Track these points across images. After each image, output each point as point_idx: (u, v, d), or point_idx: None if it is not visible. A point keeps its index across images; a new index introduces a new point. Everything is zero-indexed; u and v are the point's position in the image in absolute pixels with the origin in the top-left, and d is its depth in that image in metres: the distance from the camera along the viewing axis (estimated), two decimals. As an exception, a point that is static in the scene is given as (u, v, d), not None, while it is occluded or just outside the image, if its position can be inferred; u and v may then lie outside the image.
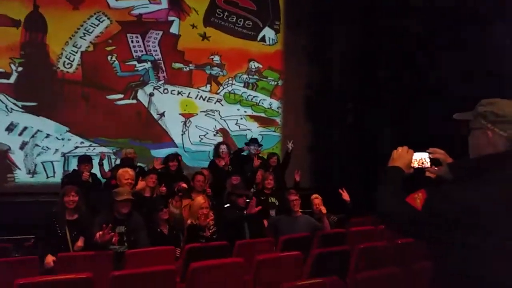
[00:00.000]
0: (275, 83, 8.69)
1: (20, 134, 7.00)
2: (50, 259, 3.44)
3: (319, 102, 8.49)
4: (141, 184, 4.52)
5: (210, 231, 4.11)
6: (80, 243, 3.76)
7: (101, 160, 5.33)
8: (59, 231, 3.71)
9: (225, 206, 4.54)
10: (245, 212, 4.40)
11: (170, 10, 8.04)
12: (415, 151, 1.72)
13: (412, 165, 1.70)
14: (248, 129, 8.34)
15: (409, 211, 1.40)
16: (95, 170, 5.41)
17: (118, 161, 6.51)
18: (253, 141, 6.04)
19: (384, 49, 7.81)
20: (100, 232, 3.38)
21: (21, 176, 7.01)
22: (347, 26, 8.40)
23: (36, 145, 7.11)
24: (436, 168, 1.70)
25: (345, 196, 4.56)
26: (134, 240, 3.85)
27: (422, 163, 1.72)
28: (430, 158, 1.73)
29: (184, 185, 4.84)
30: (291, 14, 8.74)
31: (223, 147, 5.86)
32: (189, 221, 4.16)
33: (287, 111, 8.66)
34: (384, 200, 1.52)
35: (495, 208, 1.31)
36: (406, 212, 1.41)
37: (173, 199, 4.81)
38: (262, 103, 8.60)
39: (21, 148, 7.01)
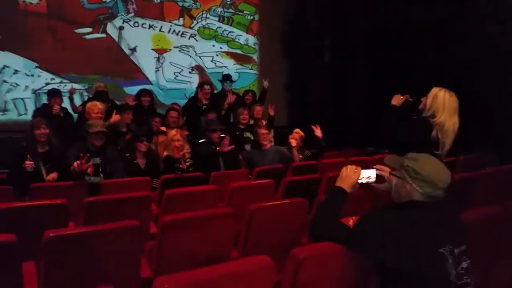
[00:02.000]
0: (251, 17, 8.44)
1: (-15, 70, 6.71)
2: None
3: (296, 39, 8.33)
4: (115, 117, 4.48)
5: (186, 163, 4.17)
6: (53, 175, 3.76)
7: (71, 94, 5.20)
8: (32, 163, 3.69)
9: (200, 141, 4.58)
10: (217, 149, 4.46)
11: None
12: (363, 168, 1.95)
13: (359, 181, 1.92)
14: (224, 66, 8.19)
15: (341, 231, 1.68)
16: (67, 105, 5.29)
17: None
18: (226, 77, 5.98)
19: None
20: (78, 162, 3.39)
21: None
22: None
23: (4, 81, 6.84)
24: (380, 185, 1.95)
25: (318, 132, 4.67)
26: (109, 172, 3.88)
27: (369, 177, 1.96)
28: (377, 174, 1.97)
29: (163, 128, 4.82)
30: None
31: (207, 87, 5.73)
32: (164, 153, 4.21)
33: (263, 47, 8.50)
34: (320, 223, 1.76)
35: (407, 237, 1.56)
36: (339, 233, 1.67)
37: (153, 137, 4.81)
38: (238, 39, 8.39)
39: (-12, 85, 6.75)
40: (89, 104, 4.31)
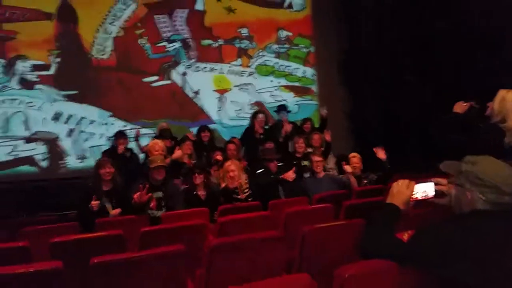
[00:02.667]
0: (307, 50, 8.49)
1: (66, 122, 7.34)
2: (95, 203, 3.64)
3: (353, 64, 8.19)
4: (177, 153, 4.64)
5: (245, 194, 4.15)
6: (117, 210, 3.90)
7: (136, 136, 5.51)
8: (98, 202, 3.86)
9: (258, 171, 4.56)
10: (280, 177, 4.41)
11: (193, -14, 8.03)
12: (417, 182, 1.73)
13: (414, 197, 1.70)
14: (284, 100, 8.23)
15: (395, 246, 1.50)
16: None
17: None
18: (282, 107, 6.00)
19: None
20: (138, 193, 3.50)
21: (72, 161, 7.35)
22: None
23: (82, 131, 7.43)
24: (440, 199, 1.70)
25: (380, 154, 4.46)
26: (171, 206, 3.97)
27: (426, 192, 1.71)
28: (435, 188, 1.72)
29: (219, 157, 4.90)
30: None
31: (261, 116, 5.79)
32: (222, 185, 4.23)
33: (322, 78, 8.45)
34: (370, 239, 1.59)
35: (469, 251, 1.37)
36: (392, 249, 1.50)
37: (211, 169, 4.90)
38: (296, 72, 8.45)
39: (69, 135, 7.35)
40: (150, 143, 4.53)
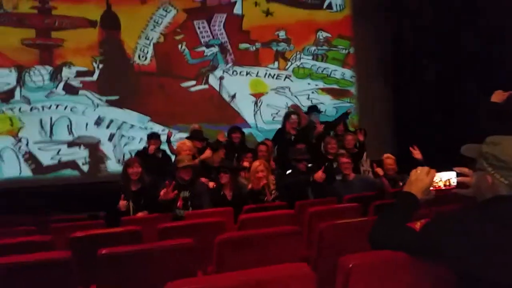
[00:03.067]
0: (346, 51, 8.28)
1: (107, 127, 7.59)
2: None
3: (394, 64, 7.88)
4: (206, 153, 4.63)
5: (272, 195, 4.05)
6: (142, 214, 3.91)
7: (168, 138, 5.57)
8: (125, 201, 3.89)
9: (287, 173, 4.44)
10: (311, 178, 4.27)
11: (232, -9, 8.09)
12: (438, 171, 1.57)
13: (435, 187, 1.55)
14: (321, 103, 8.05)
15: (405, 235, 1.37)
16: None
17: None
18: (313, 108, 5.85)
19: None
20: (164, 190, 3.51)
21: (112, 165, 7.57)
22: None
23: (123, 135, 7.65)
24: (463, 190, 1.52)
25: (416, 154, 4.22)
26: (198, 205, 3.94)
27: (449, 184, 1.56)
28: (457, 179, 1.56)
29: (247, 163, 4.81)
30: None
31: (294, 117, 5.68)
32: (249, 186, 4.15)
33: (361, 79, 8.20)
34: (379, 228, 1.47)
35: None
36: (402, 238, 1.38)
37: (241, 172, 4.84)
38: (334, 74, 8.25)
39: (110, 139, 7.59)
40: (179, 143, 4.55)
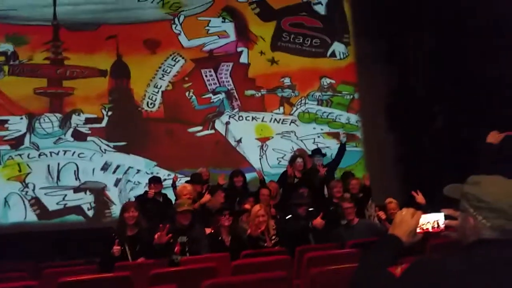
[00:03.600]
0: (351, 96, 8.37)
1: (114, 172, 7.65)
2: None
3: (401, 110, 7.92)
4: (206, 197, 4.59)
5: (272, 241, 3.95)
6: (140, 260, 3.84)
7: (173, 182, 5.56)
8: (122, 248, 3.83)
9: (287, 217, 4.36)
10: (310, 224, 4.18)
11: (238, 41, 8.36)
12: (425, 212, 1.52)
13: (423, 229, 1.48)
14: (327, 147, 8.02)
15: (384, 281, 1.30)
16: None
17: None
18: (316, 151, 5.84)
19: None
20: (158, 233, 3.45)
21: (117, 210, 7.45)
22: (421, 29, 7.86)
23: (129, 181, 7.68)
24: (453, 233, 1.45)
25: (419, 199, 4.13)
26: (195, 251, 3.86)
27: (437, 226, 1.49)
28: (445, 219, 1.49)
29: (248, 206, 4.76)
30: (360, 24, 8.47)
31: (299, 160, 5.68)
32: (248, 231, 4.06)
33: (367, 124, 8.22)
34: (359, 274, 1.39)
35: None
36: (380, 284, 1.31)
37: (243, 216, 4.77)
38: (339, 118, 8.30)
39: (115, 185, 7.63)
40: (179, 187, 4.54)
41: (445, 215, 1.51)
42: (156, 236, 3.46)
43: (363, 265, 1.42)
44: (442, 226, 1.50)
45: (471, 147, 6.74)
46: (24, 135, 7.24)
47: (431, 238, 1.59)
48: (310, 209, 4.18)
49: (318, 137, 8.14)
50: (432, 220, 1.51)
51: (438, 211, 1.52)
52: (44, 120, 7.34)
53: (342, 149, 6.08)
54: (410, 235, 1.46)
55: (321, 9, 8.59)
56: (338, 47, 8.50)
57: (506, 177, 2.44)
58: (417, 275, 1.22)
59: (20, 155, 7.16)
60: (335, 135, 8.17)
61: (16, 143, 7.18)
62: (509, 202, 1.19)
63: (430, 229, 1.51)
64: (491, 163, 2.38)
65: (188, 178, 7.35)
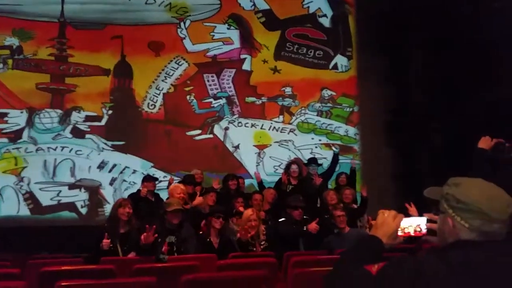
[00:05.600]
0: (350, 109, 8.40)
1: (110, 171, 7.66)
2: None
3: (400, 125, 7.94)
4: (198, 199, 4.58)
5: (261, 246, 3.94)
6: (131, 256, 3.83)
7: (169, 184, 5.56)
8: (111, 245, 3.81)
9: (280, 220, 4.35)
10: (304, 228, 4.17)
11: (242, 48, 8.42)
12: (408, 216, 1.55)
13: (404, 233, 1.49)
14: (324, 158, 8.01)
15: (359, 279, 1.29)
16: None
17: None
18: (311, 160, 5.84)
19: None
20: (145, 234, 3.45)
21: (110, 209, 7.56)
22: (424, 45, 7.92)
23: (124, 180, 7.68)
24: (433, 237, 1.45)
25: (412, 211, 4.10)
26: (183, 251, 3.84)
27: (420, 230, 1.49)
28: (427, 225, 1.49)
29: (242, 208, 4.76)
30: (363, 39, 8.53)
31: (294, 167, 5.69)
32: (238, 235, 4.05)
33: (365, 137, 8.24)
34: (334, 272, 1.40)
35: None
36: (356, 282, 1.30)
37: (234, 217, 4.76)
38: (338, 130, 8.32)
39: (111, 184, 7.63)
40: (172, 186, 4.53)
41: (427, 219, 1.52)
42: (142, 236, 3.45)
43: (340, 262, 1.42)
44: (424, 230, 1.51)
45: (469, 165, 6.78)
46: (23, 129, 7.27)
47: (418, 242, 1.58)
48: (305, 216, 4.17)
49: (316, 147, 8.15)
50: (414, 224, 1.52)
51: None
52: (44, 115, 7.38)
53: (335, 160, 6.08)
54: (390, 237, 1.47)
55: (326, 22, 8.66)
56: (340, 60, 8.55)
57: (498, 182, 2.46)
58: (393, 273, 1.22)
59: (17, 148, 7.19)
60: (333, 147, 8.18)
61: (15, 136, 7.21)
62: (488, 203, 1.20)
63: (412, 233, 1.52)
64: (482, 169, 2.38)
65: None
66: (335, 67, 8.54)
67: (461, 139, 7.03)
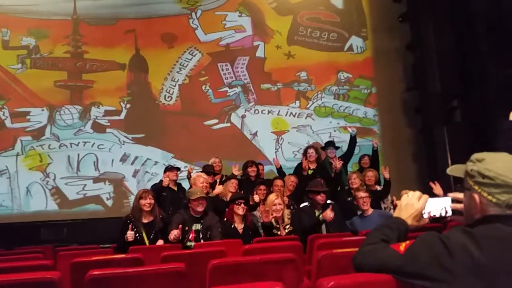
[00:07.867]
0: (368, 91, 8.29)
1: (132, 163, 7.79)
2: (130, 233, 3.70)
3: (419, 104, 7.81)
4: (218, 188, 4.62)
5: (286, 230, 3.97)
6: (159, 242, 3.92)
7: (189, 173, 5.62)
8: (137, 235, 3.90)
9: (302, 205, 4.36)
10: (320, 217, 4.15)
11: (255, 35, 8.38)
12: (431, 196, 1.50)
13: (432, 215, 1.48)
14: (343, 141, 7.96)
15: (388, 257, 1.29)
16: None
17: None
18: (329, 143, 5.81)
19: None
20: (175, 234, 3.53)
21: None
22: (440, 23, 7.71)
23: (146, 172, 7.82)
24: (460, 217, 1.43)
25: (437, 190, 4.06)
26: (209, 237, 3.91)
27: (446, 211, 1.48)
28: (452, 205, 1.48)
29: (257, 198, 4.76)
30: (379, 19, 8.38)
31: (311, 151, 5.68)
32: (263, 219, 4.09)
33: (384, 118, 8.14)
34: (362, 251, 1.39)
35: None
36: (384, 260, 1.30)
37: (259, 207, 4.79)
38: (356, 112, 8.24)
39: (134, 176, 7.77)
40: (194, 175, 4.58)
41: (452, 199, 1.50)
42: (171, 236, 3.55)
43: (367, 244, 1.42)
44: (449, 210, 1.49)
45: (489, 141, 6.64)
46: (45, 126, 7.45)
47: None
48: (329, 201, 4.17)
49: (335, 131, 8.10)
50: (439, 204, 1.50)
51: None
52: (64, 112, 7.53)
53: (352, 142, 6.03)
54: (415, 218, 1.46)
55: (338, 3, 8.53)
56: (356, 41, 8.43)
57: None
58: (421, 251, 1.22)
59: (41, 145, 7.37)
60: (352, 129, 8.12)
61: (38, 134, 7.39)
62: None
63: (437, 214, 1.50)
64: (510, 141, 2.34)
65: (203, 170, 7.49)
66: (350, 48, 8.43)
67: (482, 116, 6.91)
